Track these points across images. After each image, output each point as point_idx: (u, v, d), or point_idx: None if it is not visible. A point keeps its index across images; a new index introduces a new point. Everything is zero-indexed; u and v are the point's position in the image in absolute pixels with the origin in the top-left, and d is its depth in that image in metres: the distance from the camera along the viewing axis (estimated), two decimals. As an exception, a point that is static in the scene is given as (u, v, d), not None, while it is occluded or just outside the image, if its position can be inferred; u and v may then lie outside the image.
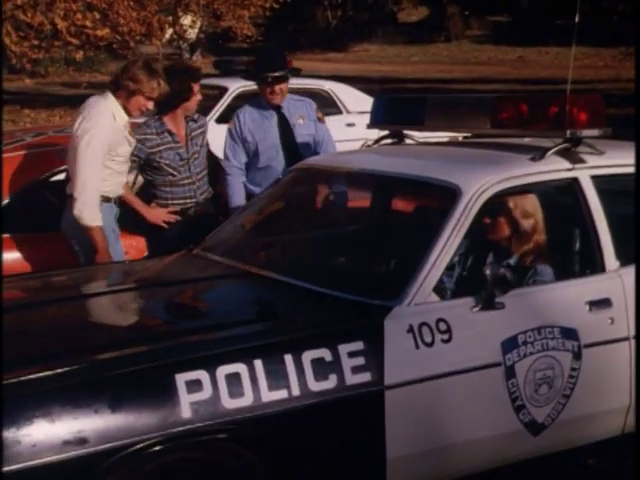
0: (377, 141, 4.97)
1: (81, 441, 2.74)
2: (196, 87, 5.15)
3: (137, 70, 4.71)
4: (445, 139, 6.18)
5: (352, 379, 3.15)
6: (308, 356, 3.10)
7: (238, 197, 5.35)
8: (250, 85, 9.29)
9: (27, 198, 5.07)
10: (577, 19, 4.07)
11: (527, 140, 4.28)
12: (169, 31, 21.73)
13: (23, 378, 2.82)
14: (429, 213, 4.09)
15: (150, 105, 4.80)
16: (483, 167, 3.88)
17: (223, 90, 9.81)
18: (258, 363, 3.02)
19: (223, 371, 2.96)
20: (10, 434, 2.68)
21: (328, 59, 35.33)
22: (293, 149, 5.39)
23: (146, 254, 5.10)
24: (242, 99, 9.02)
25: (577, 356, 3.59)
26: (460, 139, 4.93)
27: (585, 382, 3.62)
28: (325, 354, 3.13)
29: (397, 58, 36.25)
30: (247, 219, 4.69)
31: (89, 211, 4.61)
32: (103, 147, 4.63)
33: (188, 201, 5.19)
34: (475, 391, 3.41)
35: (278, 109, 5.41)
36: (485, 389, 3.44)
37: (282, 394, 3.04)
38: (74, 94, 23.18)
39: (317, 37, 39.97)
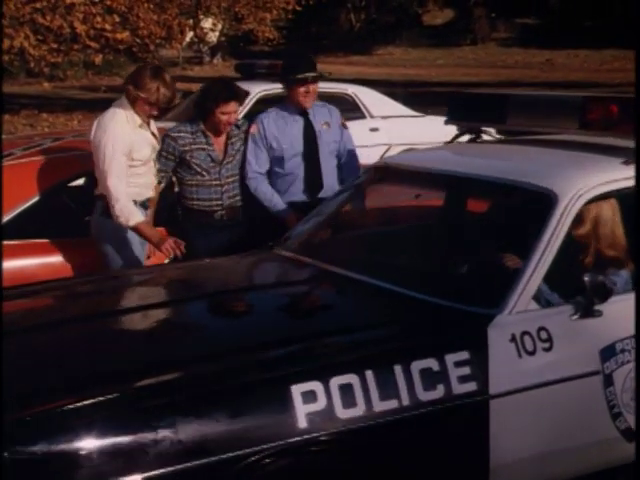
0: (455, 138, 4.92)
1: (204, 451, 2.83)
2: (224, 106, 5.07)
3: (139, 75, 4.83)
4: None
5: (458, 389, 3.23)
6: (417, 366, 3.18)
7: (277, 198, 5.29)
8: (272, 89, 9.32)
9: (46, 204, 5.09)
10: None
11: (609, 140, 4.22)
12: (190, 34, 21.79)
13: (147, 388, 2.92)
14: (523, 219, 4.05)
15: (154, 111, 4.86)
16: (577, 171, 3.84)
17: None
18: (369, 374, 3.10)
19: (336, 382, 3.05)
20: (135, 444, 2.75)
21: (351, 62, 35.37)
22: (316, 156, 5.37)
23: (167, 261, 5.12)
24: (264, 103, 9.03)
25: None
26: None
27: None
28: (433, 364, 3.21)
29: (422, 61, 36.22)
30: (329, 218, 4.73)
31: (129, 212, 4.76)
32: (120, 152, 4.73)
33: (214, 203, 5.19)
34: (574, 399, 3.48)
35: (305, 114, 5.39)
36: (584, 397, 3.51)
37: (393, 404, 3.11)
38: (93, 98, 23.33)
39: (340, 40, 40.01)
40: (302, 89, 5.28)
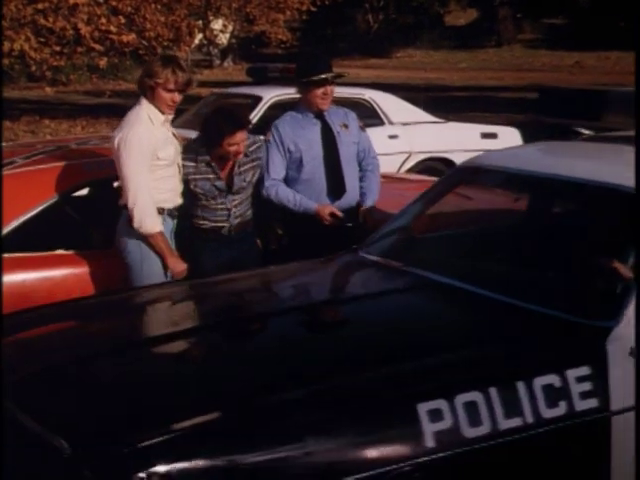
0: (550, 137, 4.84)
1: (333, 472, 2.90)
2: (230, 138, 4.98)
3: (150, 66, 4.89)
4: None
5: (580, 405, 3.25)
6: (539, 382, 3.20)
7: (300, 196, 5.30)
8: (286, 94, 9.34)
9: (48, 215, 5.12)
10: None
11: None
12: (199, 36, 21.89)
13: (271, 407, 2.95)
14: (626, 225, 3.99)
15: (176, 97, 4.88)
16: None
17: (257, 99, 9.83)
18: (493, 391, 3.13)
19: (461, 400, 3.08)
20: (263, 465, 2.80)
21: (369, 65, 35.45)
22: (336, 159, 5.40)
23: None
24: (277, 109, 9.04)
25: None
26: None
27: None
28: (554, 380, 3.23)
29: (444, 64, 36.27)
30: (416, 221, 4.74)
31: (148, 217, 4.79)
32: (144, 153, 4.78)
33: (220, 224, 5.18)
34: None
35: (321, 117, 5.42)
36: None
37: (517, 422, 3.14)
38: (97, 103, 23.47)
39: (357, 42, 40.12)
40: (320, 91, 5.31)
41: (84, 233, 5.47)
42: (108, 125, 18.90)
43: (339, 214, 5.31)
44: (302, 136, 5.36)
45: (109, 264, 5.09)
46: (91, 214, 5.71)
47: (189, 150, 5.10)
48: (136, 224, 4.77)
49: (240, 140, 5.03)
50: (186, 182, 5.06)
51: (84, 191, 5.78)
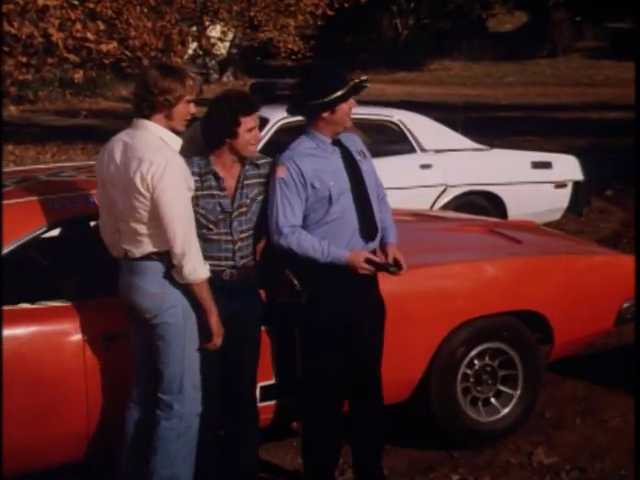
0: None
1: None
2: (248, 121, 5.15)
3: (160, 80, 4.87)
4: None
5: None
6: None
7: (326, 243, 5.26)
8: (297, 116, 9.42)
9: (11, 263, 5.14)
10: None
11: None
12: (193, 45, 21.98)
13: None
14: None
15: (193, 108, 4.98)
16: None
17: (262, 122, 9.81)
18: None
19: None
20: None
21: (397, 80, 35.61)
22: (364, 192, 5.40)
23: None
24: (286, 133, 9.08)
25: None
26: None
27: None
28: None
29: (486, 78, 36.39)
30: None
31: (200, 264, 4.87)
32: (186, 186, 4.88)
33: (223, 263, 5.20)
34: None
35: (338, 143, 5.42)
36: None
37: None
38: (71, 125, 23.60)
39: (383, 52, 40.32)
40: (346, 107, 5.35)
41: (54, 282, 5.49)
42: (84, 152, 19.01)
43: (377, 259, 5.34)
44: (325, 168, 5.33)
45: (85, 320, 5.13)
46: (63, 260, 5.74)
47: (190, 164, 5.14)
48: (186, 272, 4.82)
49: (257, 124, 5.18)
50: None
51: (54, 232, 5.80)
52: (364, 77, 5.47)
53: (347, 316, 5.36)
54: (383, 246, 5.48)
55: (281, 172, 5.27)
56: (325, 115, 5.32)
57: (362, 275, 5.28)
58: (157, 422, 5.01)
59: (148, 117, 4.92)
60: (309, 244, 5.25)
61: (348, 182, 5.36)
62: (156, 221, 4.81)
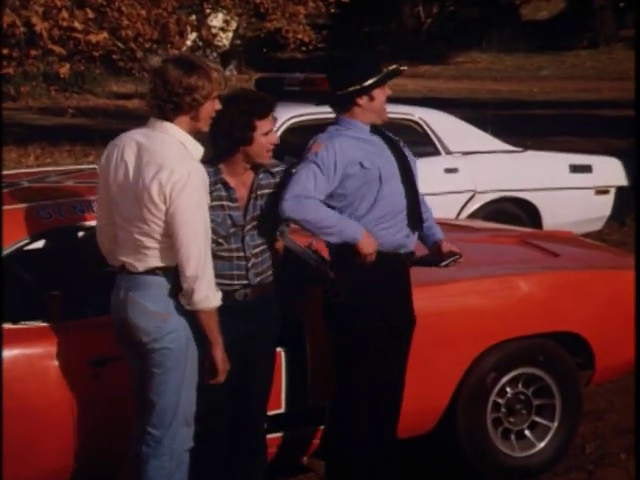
0: None
1: None
2: (264, 124, 5.11)
3: (185, 78, 4.75)
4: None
5: None
6: None
7: (346, 218, 5.35)
8: (307, 114, 9.40)
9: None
10: None
11: None
12: (192, 36, 22.02)
13: None
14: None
15: (218, 104, 4.90)
16: None
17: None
18: None
19: None
20: None
21: (419, 74, 35.61)
22: (412, 179, 5.57)
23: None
24: (297, 133, 9.10)
25: None
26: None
27: None
28: None
29: (519, 72, 36.39)
30: None
31: (212, 291, 4.77)
32: (205, 199, 4.79)
33: (235, 282, 5.17)
34: None
35: (378, 131, 5.57)
36: None
37: None
38: (57, 124, 23.65)
39: (404, 43, 40.36)
40: (382, 95, 5.51)
41: (38, 300, 5.50)
42: (70, 154, 19.06)
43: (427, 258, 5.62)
44: (372, 150, 5.46)
45: (72, 341, 5.15)
46: (47, 274, 5.75)
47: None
48: (196, 299, 4.71)
49: (273, 126, 5.16)
50: None
51: (38, 244, 5.82)
52: (402, 67, 5.71)
53: (389, 321, 5.44)
54: (437, 245, 5.68)
55: (317, 147, 5.35)
56: (362, 102, 5.47)
57: (404, 280, 5.46)
58: (145, 460, 4.88)
59: (171, 120, 4.81)
60: (324, 211, 5.28)
61: (396, 166, 5.51)
62: (167, 237, 4.73)
